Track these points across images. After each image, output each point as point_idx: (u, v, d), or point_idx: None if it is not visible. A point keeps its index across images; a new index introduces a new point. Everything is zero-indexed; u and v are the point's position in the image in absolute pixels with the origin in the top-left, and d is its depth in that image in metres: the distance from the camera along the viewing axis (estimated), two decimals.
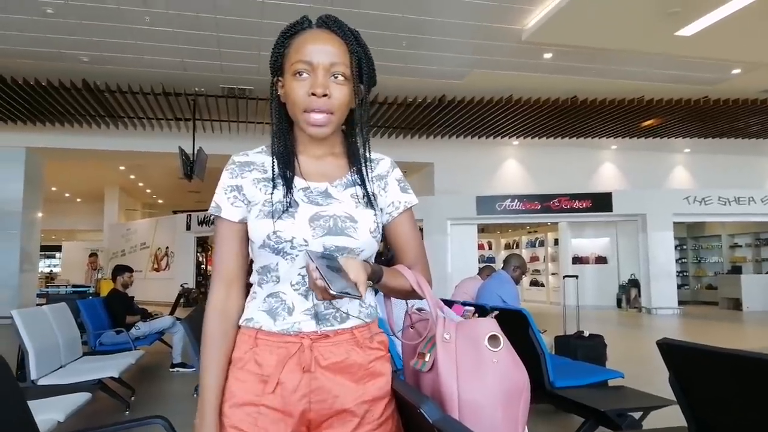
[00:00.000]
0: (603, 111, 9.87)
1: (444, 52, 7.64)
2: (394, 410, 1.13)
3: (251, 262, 1.18)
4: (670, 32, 6.76)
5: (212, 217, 1.16)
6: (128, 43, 7.23)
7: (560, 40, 7.08)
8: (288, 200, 1.09)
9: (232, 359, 1.11)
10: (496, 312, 1.10)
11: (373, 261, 1.16)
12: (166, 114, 9.90)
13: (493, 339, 1.04)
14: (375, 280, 1.09)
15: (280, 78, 1.14)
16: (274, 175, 1.12)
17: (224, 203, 1.13)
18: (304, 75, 1.08)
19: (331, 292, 0.89)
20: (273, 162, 1.14)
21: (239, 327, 1.12)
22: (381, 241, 1.20)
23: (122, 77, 8.31)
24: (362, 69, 1.13)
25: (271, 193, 1.10)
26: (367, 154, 1.18)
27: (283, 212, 1.08)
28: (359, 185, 1.15)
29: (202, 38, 7.11)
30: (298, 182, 1.13)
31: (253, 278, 1.15)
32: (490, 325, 1.06)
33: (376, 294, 1.23)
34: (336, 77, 1.08)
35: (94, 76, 8.22)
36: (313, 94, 1.06)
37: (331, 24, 1.12)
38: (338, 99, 1.09)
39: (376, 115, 10.04)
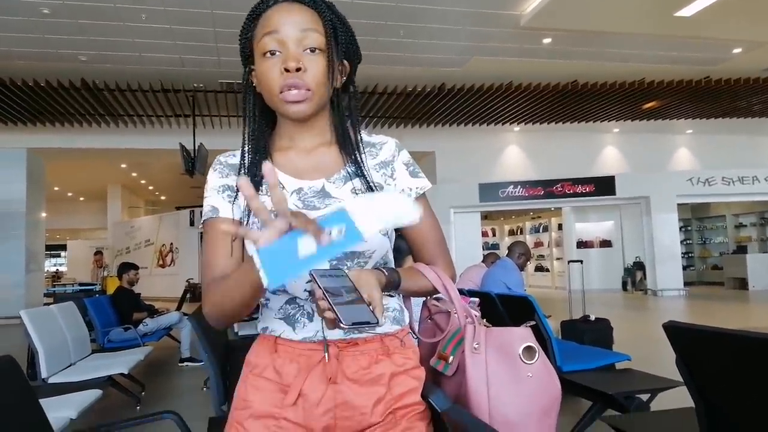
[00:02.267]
0: (604, 94, 9.82)
1: (442, 40, 7.60)
2: (429, 423, 0.98)
3: None
4: (670, 13, 6.71)
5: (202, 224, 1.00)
6: (126, 41, 7.21)
7: (559, 25, 7.03)
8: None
9: (249, 362, 0.99)
10: (532, 323, 1.02)
11: (391, 256, 1.04)
12: (165, 111, 9.89)
13: (528, 350, 0.94)
14: (393, 288, 0.97)
15: (253, 67, 1.00)
16: (256, 179, 0.97)
17: (221, 203, 0.99)
18: (276, 53, 0.94)
19: (342, 326, 0.76)
20: (243, 163, 0.99)
21: (236, 334, 1.00)
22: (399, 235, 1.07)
23: (121, 75, 8.30)
24: (339, 39, 0.99)
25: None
26: (359, 138, 1.04)
27: None
28: (359, 176, 1.01)
29: (200, 34, 7.08)
30: (288, 182, 0.99)
31: None
32: (524, 335, 0.96)
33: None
34: (312, 50, 0.94)
35: (93, 75, 8.21)
36: (286, 70, 0.92)
37: None
38: (314, 72, 0.94)
39: (376, 106, 10.01)
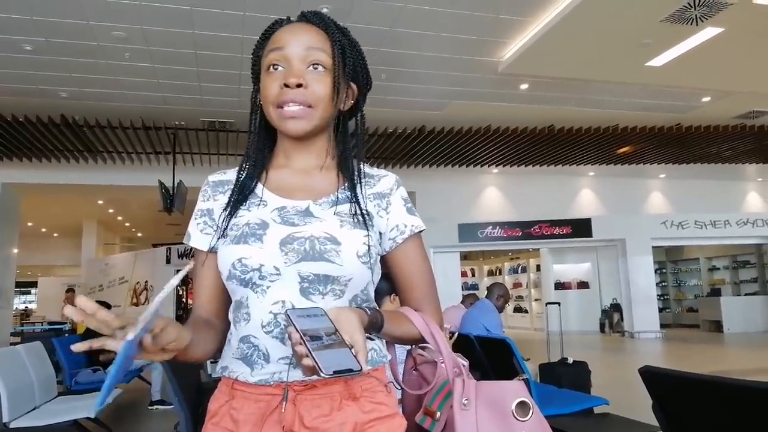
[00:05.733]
0: (579, 139, 10.06)
1: (423, 84, 7.76)
2: None
3: None
4: (642, 63, 6.96)
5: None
6: (108, 79, 7.22)
7: (536, 72, 7.24)
8: (257, 221, 0.92)
9: (209, 410, 0.93)
10: (525, 377, 0.99)
11: (372, 292, 0.99)
12: (145, 148, 9.85)
13: (521, 406, 0.88)
14: (375, 330, 0.90)
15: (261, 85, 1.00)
16: (235, 191, 0.97)
17: (194, 230, 1.00)
18: (279, 68, 0.94)
19: (323, 375, 0.70)
20: (239, 174, 1.00)
21: (210, 377, 0.98)
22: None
23: (101, 112, 8.28)
24: (346, 60, 0.97)
25: (229, 214, 0.95)
26: (362, 167, 1.01)
27: (250, 236, 0.90)
28: (349, 202, 0.96)
29: (182, 73, 7.13)
30: (273, 200, 0.96)
31: (230, 316, 0.97)
32: (518, 390, 0.90)
33: None
34: (315, 67, 0.93)
35: (73, 111, 8.17)
36: (286, 86, 0.91)
37: (311, 17, 0.98)
38: (316, 91, 0.93)
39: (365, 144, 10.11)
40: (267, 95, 0.94)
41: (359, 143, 1.03)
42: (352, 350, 0.74)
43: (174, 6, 5.49)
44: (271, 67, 0.94)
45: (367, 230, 0.94)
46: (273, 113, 0.94)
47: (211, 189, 1.02)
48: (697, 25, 5.95)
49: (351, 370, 0.71)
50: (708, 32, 6.14)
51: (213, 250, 0.96)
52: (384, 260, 1.01)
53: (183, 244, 1.04)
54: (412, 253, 1.02)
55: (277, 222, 0.92)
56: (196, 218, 1.00)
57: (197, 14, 5.65)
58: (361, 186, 0.99)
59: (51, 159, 10.05)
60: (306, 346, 0.72)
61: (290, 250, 0.89)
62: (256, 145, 1.01)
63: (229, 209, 0.96)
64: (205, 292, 0.98)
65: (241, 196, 0.97)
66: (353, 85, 1.01)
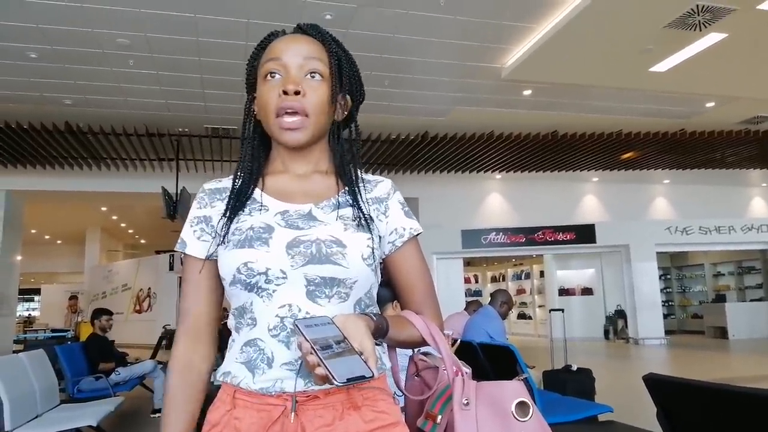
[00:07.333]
0: (583, 145, 10.05)
1: (426, 90, 7.77)
2: None
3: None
4: (645, 68, 6.95)
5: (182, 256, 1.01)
6: (112, 86, 7.25)
7: (539, 78, 7.24)
8: (261, 225, 0.92)
9: (208, 420, 0.94)
10: (525, 376, 0.96)
11: (375, 296, 1.01)
12: (149, 154, 9.88)
13: (521, 406, 0.88)
14: (380, 336, 0.90)
15: (255, 94, 1.02)
16: (233, 197, 0.97)
17: (190, 237, 0.98)
18: (276, 77, 0.96)
19: (336, 383, 0.70)
20: (235, 182, 0.99)
21: (212, 384, 0.96)
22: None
23: (105, 119, 8.31)
24: (342, 71, 1.00)
25: (228, 219, 0.95)
26: (359, 173, 1.03)
27: (255, 240, 0.90)
28: (351, 206, 0.97)
29: (186, 80, 7.16)
30: (274, 205, 0.97)
31: (230, 323, 0.97)
32: (517, 390, 0.90)
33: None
34: (313, 76, 0.96)
35: (77, 118, 8.21)
36: (285, 93, 0.93)
37: (308, 29, 1.01)
38: (314, 99, 0.95)
39: (361, 152, 10.11)
40: (265, 103, 0.96)
41: (355, 151, 1.06)
42: (362, 357, 0.75)
43: (178, 13, 5.52)
44: (269, 75, 0.96)
45: (370, 233, 0.96)
46: (272, 122, 0.95)
47: (208, 197, 1.01)
48: (700, 30, 5.94)
49: (363, 377, 0.72)
50: (712, 38, 6.13)
51: (212, 257, 0.96)
52: (383, 264, 1.02)
53: None
54: (411, 256, 1.03)
55: (282, 226, 0.93)
56: (192, 225, 0.99)
57: (201, 21, 5.68)
58: (362, 190, 1.01)
59: (55, 166, 10.10)
60: (317, 355, 0.73)
61: (297, 253, 0.89)
62: (251, 154, 1.02)
63: (228, 214, 0.96)
64: (199, 302, 0.97)
65: (239, 202, 0.97)
66: (347, 97, 1.04)
